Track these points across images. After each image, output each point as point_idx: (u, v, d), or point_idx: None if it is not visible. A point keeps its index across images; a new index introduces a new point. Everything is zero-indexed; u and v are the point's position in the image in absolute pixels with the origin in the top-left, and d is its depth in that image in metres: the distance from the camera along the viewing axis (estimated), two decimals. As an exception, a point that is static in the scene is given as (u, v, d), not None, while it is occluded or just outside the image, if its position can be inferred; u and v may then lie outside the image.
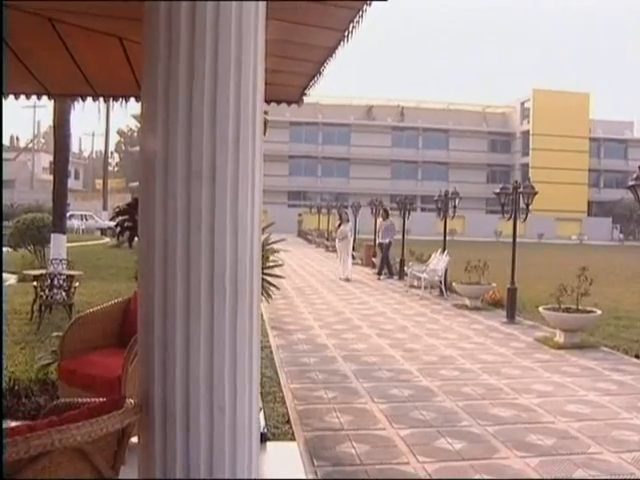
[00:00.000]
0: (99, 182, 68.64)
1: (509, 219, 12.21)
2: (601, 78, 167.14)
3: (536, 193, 11.55)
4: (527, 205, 11.57)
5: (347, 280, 18.77)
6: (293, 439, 5.56)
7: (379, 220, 21.35)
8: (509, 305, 12.06)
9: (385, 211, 21.26)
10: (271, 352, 8.94)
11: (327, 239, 36.66)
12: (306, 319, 11.95)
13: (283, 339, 9.96)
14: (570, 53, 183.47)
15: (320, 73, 4.76)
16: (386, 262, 20.10)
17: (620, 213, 68.41)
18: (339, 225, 20.57)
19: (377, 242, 20.88)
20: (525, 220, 11.64)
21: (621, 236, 66.44)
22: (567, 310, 9.92)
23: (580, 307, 9.97)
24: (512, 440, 5.58)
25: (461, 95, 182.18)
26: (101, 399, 2.28)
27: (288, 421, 6.00)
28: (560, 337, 9.85)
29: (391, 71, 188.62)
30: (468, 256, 18.59)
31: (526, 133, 73.55)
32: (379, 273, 20.14)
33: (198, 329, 2.15)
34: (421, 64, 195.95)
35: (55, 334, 6.55)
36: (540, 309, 10.30)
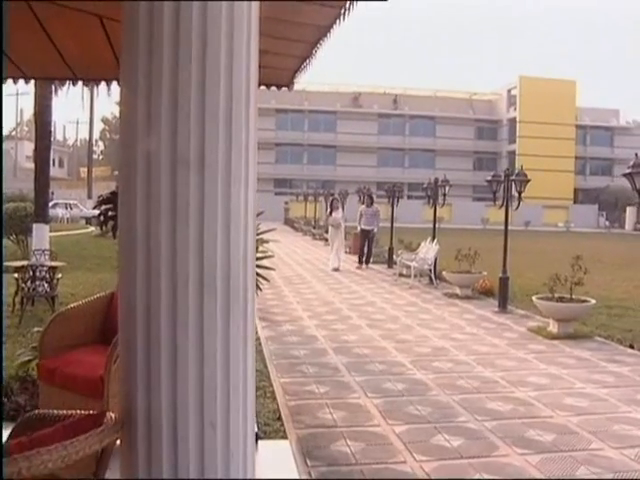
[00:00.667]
0: (84, 170, 68.00)
1: (501, 207, 12.03)
2: (587, 66, 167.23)
3: (529, 181, 11.37)
4: (519, 193, 11.39)
5: (336, 270, 18.31)
6: (285, 437, 5.36)
7: (361, 207, 20.20)
8: (501, 294, 11.90)
9: (370, 197, 20.16)
10: (260, 344, 8.72)
11: (314, 227, 36.46)
12: (295, 309, 11.74)
13: (272, 330, 9.74)
14: (557, 42, 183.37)
15: (313, 55, 4.51)
16: (368, 250, 19.46)
17: (606, 200, 68.66)
18: (330, 212, 19.79)
19: (360, 228, 19.61)
20: (517, 208, 11.47)
21: (607, 223, 66.66)
22: (561, 300, 9.77)
23: (574, 296, 9.81)
24: (511, 436, 5.40)
25: (448, 82, 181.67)
26: (80, 412, 2.04)
27: (279, 418, 5.80)
28: (554, 327, 9.70)
29: (377, 59, 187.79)
30: (456, 244, 18.43)
31: (513, 120, 73.42)
32: (366, 262, 19.46)
33: (186, 334, 1.91)
34: (408, 51, 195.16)
35: (36, 329, 6.29)
36: (534, 299, 10.14)
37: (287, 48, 4.48)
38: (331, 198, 21.71)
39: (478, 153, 75.80)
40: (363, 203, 20.34)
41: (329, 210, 19.99)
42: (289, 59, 4.69)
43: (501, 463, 4.85)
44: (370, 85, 74.83)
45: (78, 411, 2.13)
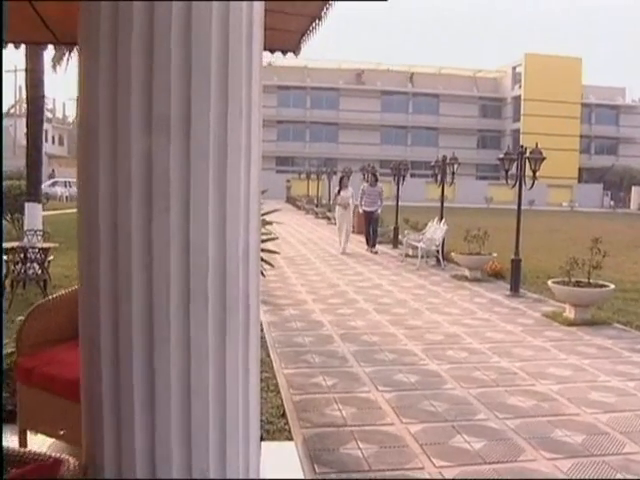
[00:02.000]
0: (84, 148, 66.92)
1: (513, 186, 11.50)
2: (594, 44, 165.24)
3: (544, 159, 10.82)
4: (534, 172, 10.84)
5: (345, 253, 17.22)
6: (290, 437, 4.91)
7: (364, 185, 18.49)
8: (513, 277, 11.41)
9: (374, 175, 18.49)
10: (262, 330, 8.27)
11: (317, 205, 35.92)
12: (299, 292, 11.28)
13: (275, 315, 9.29)
14: (563, 19, 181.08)
15: (324, 15, 3.99)
16: (374, 232, 18.25)
17: (611, 180, 67.97)
18: (339, 191, 18.23)
19: (362, 210, 18.16)
20: (532, 187, 10.94)
21: (612, 203, 66.00)
22: (578, 284, 9.29)
23: (591, 280, 9.33)
24: (536, 437, 4.95)
25: (453, 60, 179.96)
26: (30, 465, 1.55)
27: (283, 414, 5.35)
28: (570, 313, 9.23)
29: (380, 35, 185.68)
30: (461, 223, 17.94)
31: (517, 98, 72.52)
32: (372, 245, 18.09)
33: (166, 358, 1.41)
34: (412, 28, 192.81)
35: (19, 318, 5.82)
36: (549, 283, 9.65)
37: (294, 6, 3.96)
38: (341, 175, 20.13)
39: (482, 131, 74.98)
40: (367, 181, 18.78)
41: (338, 188, 18.51)
42: (296, 19, 4.17)
43: (528, 470, 4.40)
44: (373, 62, 73.79)
45: (38, 450, 1.66)
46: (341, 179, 18.71)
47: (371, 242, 18.02)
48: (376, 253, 17.53)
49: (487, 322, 9.12)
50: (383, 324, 8.83)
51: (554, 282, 9.53)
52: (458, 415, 5.39)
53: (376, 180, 18.26)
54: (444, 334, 8.31)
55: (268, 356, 7.08)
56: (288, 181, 56.04)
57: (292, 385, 6.11)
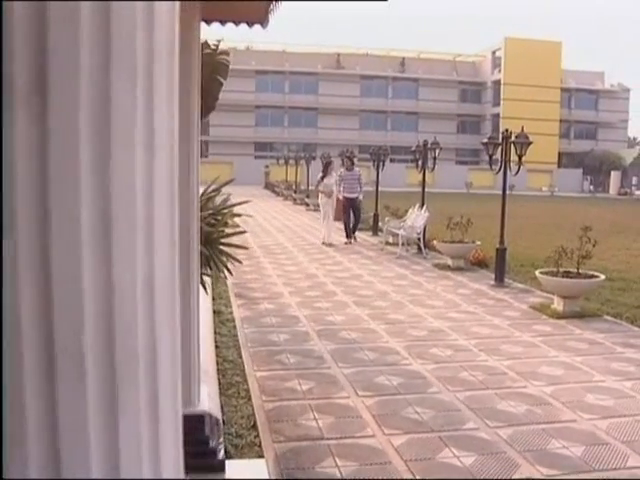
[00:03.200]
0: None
1: (498, 172, 11.05)
2: (573, 28, 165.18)
3: (530, 143, 10.37)
4: (520, 157, 10.39)
5: (330, 245, 15.90)
6: (261, 453, 4.42)
7: (340, 170, 17.26)
8: (498, 267, 10.98)
9: (349, 159, 17.24)
10: (234, 327, 7.77)
11: (295, 192, 35.36)
12: (275, 284, 10.77)
13: (248, 310, 8.79)
14: (542, 2, 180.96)
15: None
16: (355, 221, 16.94)
17: (590, 164, 67.92)
18: (322, 177, 16.83)
19: (342, 196, 16.82)
20: (517, 173, 10.49)
21: (592, 188, 66.01)
22: (567, 274, 8.87)
23: (580, 270, 8.92)
24: (532, 449, 4.51)
25: (432, 43, 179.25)
26: None
27: (254, 426, 4.87)
28: (558, 304, 8.82)
29: (359, 20, 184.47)
30: (442, 209, 17.51)
31: (497, 83, 72.11)
32: (352, 233, 16.85)
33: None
34: (390, 11, 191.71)
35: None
36: (537, 274, 9.22)
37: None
38: (326, 161, 18.40)
39: (462, 116, 74.57)
40: (344, 166, 17.46)
41: (321, 174, 17.02)
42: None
43: (525, 490, 3.96)
44: (352, 46, 73.04)
45: None
46: (326, 165, 17.36)
47: (350, 232, 16.80)
48: (354, 241, 16.70)
49: (472, 315, 8.68)
50: (363, 319, 8.36)
51: (542, 272, 9.11)
52: (445, 424, 4.94)
53: (352, 164, 17.15)
54: (428, 329, 7.85)
55: (240, 356, 6.60)
56: (267, 167, 55.32)
57: (264, 390, 5.63)
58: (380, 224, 17.61)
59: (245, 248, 5.54)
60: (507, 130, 10.79)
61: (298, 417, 5.04)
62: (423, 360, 6.56)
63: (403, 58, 73.90)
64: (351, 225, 16.85)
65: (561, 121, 71.48)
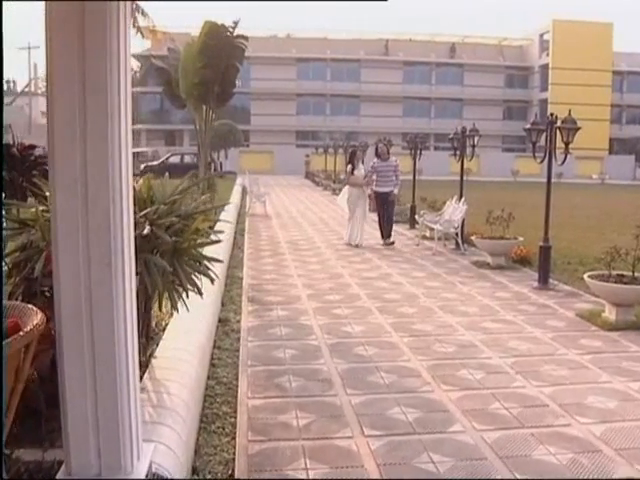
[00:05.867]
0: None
1: (542, 161, 9.91)
2: (625, 8, 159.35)
3: (579, 129, 9.20)
4: (566, 144, 9.23)
5: (357, 246, 13.92)
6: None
7: (374, 160, 14.76)
8: (541, 267, 9.87)
9: (385, 146, 14.89)
10: (238, 339, 6.89)
11: (334, 182, 34.42)
12: (294, 285, 9.86)
13: (258, 317, 7.90)
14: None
15: None
16: (389, 219, 14.56)
17: (643, 151, 65.36)
18: (352, 170, 14.44)
19: (374, 191, 14.44)
20: (563, 163, 9.33)
21: (644, 175, 63.51)
22: (620, 279, 7.74)
23: (636, 274, 7.78)
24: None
25: (477, 28, 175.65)
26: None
27: (232, 476, 3.97)
28: (610, 313, 7.71)
29: (403, 4, 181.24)
30: (485, 199, 16.37)
31: (545, 67, 69.73)
32: (387, 235, 14.46)
33: None
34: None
35: None
36: (585, 278, 8.09)
37: None
38: (351, 150, 16.56)
39: (508, 102, 72.40)
40: (377, 155, 14.82)
41: (350, 166, 14.61)
42: None
43: None
44: (395, 32, 71.38)
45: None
46: (351, 155, 15.21)
47: (385, 231, 14.50)
48: (392, 244, 14.20)
49: (510, 325, 7.62)
50: (385, 329, 7.38)
51: (591, 276, 8.00)
52: (467, 478, 3.96)
53: (388, 152, 14.71)
54: (457, 344, 6.83)
55: (236, 378, 5.71)
56: (307, 156, 54.41)
57: (253, 426, 4.72)
58: (417, 217, 16.53)
59: (219, 261, 4.62)
60: (552, 114, 9.64)
61: (285, 466, 4.12)
62: (448, 386, 5.56)
63: (453, 43, 72.19)
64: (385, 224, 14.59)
65: (612, 106, 68.82)
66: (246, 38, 12.07)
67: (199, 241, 4.12)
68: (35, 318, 2.97)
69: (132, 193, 2.98)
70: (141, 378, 4.55)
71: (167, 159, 44.85)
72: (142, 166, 43.88)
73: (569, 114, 9.27)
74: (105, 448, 2.90)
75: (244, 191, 27.71)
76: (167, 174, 8.06)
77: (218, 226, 8.43)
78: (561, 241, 14.35)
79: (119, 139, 2.81)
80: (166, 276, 3.89)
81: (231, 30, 11.85)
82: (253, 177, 28.51)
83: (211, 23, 11.91)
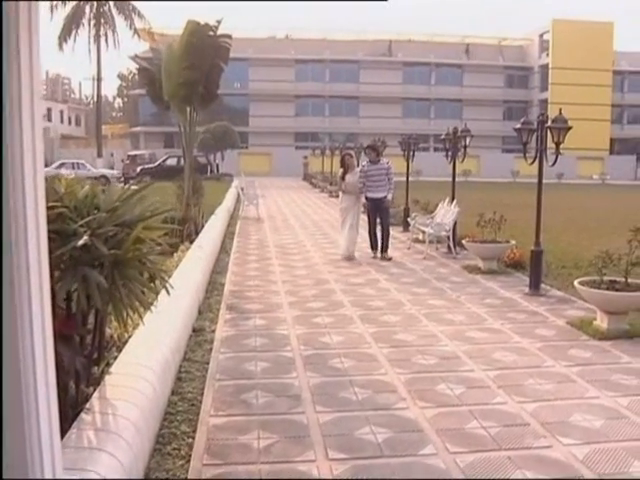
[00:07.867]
0: (104, 128, 65.93)
1: (532, 162, 9.58)
2: (625, 7, 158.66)
3: (570, 128, 8.85)
4: (557, 144, 8.89)
5: (350, 259, 12.60)
6: None
7: (363, 163, 13.35)
8: (533, 272, 9.52)
9: (374, 149, 13.36)
10: (210, 351, 6.56)
11: (330, 184, 34.09)
12: (276, 292, 9.52)
13: (234, 327, 7.56)
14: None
15: None
16: (383, 228, 13.01)
17: (644, 151, 64.98)
18: (344, 174, 13.11)
19: (365, 197, 13.15)
20: (554, 164, 9.00)
21: (645, 175, 63.13)
22: (613, 285, 7.39)
23: (630, 281, 7.43)
24: None
25: (476, 28, 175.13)
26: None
27: (179, 507, 3.64)
28: (602, 321, 7.37)
29: (401, 5, 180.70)
30: (482, 200, 16.04)
31: (545, 67, 69.38)
32: (382, 249, 12.92)
33: None
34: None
35: None
36: (576, 284, 7.74)
37: None
38: (343, 153, 15.04)
39: (508, 102, 72.05)
40: (368, 158, 13.36)
41: (342, 171, 13.31)
42: None
43: None
44: (394, 32, 71.04)
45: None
46: (342, 158, 13.76)
47: (379, 244, 13.01)
48: (390, 259, 12.63)
49: (497, 335, 7.28)
50: (364, 340, 7.04)
51: (582, 282, 7.65)
52: (434, 512, 3.62)
53: (377, 155, 13.27)
54: (439, 355, 6.49)
55: (201, 394, 5.37)
56: (305, 158, 54.03)
57: (211, 448, 4.38)
58: (409, 219, 16.18)
59: (164, 272, 4.28)
60: (543, 114, 9.31)
61: (238, 497, 3.79)
62: (424, 402, 5.22)
63: (467, 45, 71.75)
64: (379, 234, 13.13)
65: (613, 106, 68.43)
66: (230, 37, 11.73)
67: (145, 251, 3.78)
68: None
69: (44, 202, 2.64)
70: (89, 398, 4.24)
71: (164, 161, 44.54)
72: (138, 169, 43.64)
73: (560, 113, 8.93)
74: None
75: (239, 194, 27.40)
76: (148, 178, 7.78)
77: (209, 227, 8.09)
78: (559, 243, 14.05)
79: (21, 144, 2.48)
80: (104, 291, 3.55)
81: (214, 29, 11.52)
82: (250, 179, 28.23)
83: (194, 22, 11.59)
